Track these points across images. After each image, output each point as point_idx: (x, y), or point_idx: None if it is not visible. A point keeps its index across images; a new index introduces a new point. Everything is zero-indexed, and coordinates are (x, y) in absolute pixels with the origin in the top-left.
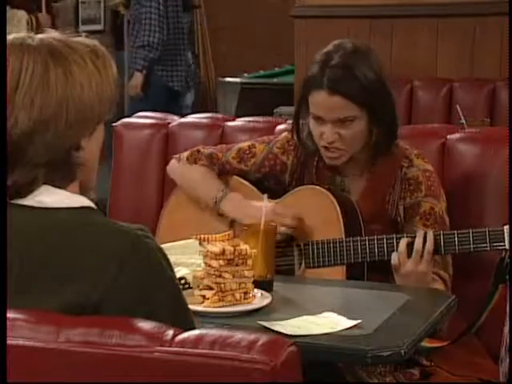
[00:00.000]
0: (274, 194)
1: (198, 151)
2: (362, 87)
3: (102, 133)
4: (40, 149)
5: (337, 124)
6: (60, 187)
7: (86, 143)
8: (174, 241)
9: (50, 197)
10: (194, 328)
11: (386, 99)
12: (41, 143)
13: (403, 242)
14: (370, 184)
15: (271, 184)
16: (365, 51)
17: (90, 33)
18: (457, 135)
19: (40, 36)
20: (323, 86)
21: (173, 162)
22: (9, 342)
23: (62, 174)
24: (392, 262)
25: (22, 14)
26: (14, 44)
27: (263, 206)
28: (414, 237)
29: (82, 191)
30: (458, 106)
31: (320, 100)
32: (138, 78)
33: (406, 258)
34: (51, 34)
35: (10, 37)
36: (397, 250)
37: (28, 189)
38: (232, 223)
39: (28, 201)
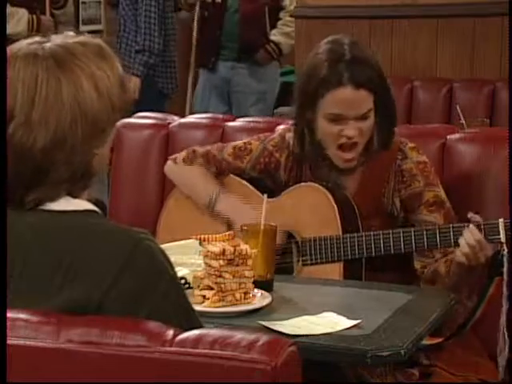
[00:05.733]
0: (271, 193)
1: (194, 151)
2: (377, 76)
3: (112, 135)
4: (62, 166)
5: (358, 119)
6: (77, 196)
7: (101, 150)
8: (173, 241)
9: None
10: (200, 327)
11: (389, 87)
12: (61, 160)
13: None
14: (365, 179)
15: (268, 182)
16: (358, 41)
17: (90, 33)
18: (457, 135)
19: (48, 45)
20: (345, 83)
21: (169, 163)
22: (9, 341)
23: (82, 185)
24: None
25: (23, 13)
26: (27, 55)
27: (263, 205)
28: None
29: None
30: (457, 106)
31: (344, 97)
32: (137, 84)
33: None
34: (56, 41)
35: (22, 44)
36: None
37: (48, 202)
38: (230, 224)
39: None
